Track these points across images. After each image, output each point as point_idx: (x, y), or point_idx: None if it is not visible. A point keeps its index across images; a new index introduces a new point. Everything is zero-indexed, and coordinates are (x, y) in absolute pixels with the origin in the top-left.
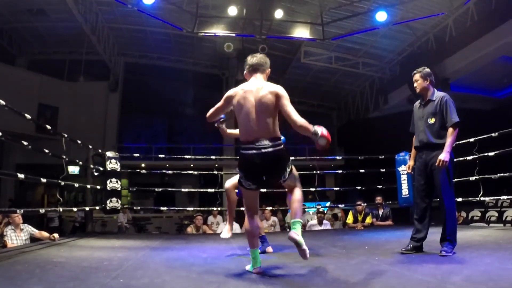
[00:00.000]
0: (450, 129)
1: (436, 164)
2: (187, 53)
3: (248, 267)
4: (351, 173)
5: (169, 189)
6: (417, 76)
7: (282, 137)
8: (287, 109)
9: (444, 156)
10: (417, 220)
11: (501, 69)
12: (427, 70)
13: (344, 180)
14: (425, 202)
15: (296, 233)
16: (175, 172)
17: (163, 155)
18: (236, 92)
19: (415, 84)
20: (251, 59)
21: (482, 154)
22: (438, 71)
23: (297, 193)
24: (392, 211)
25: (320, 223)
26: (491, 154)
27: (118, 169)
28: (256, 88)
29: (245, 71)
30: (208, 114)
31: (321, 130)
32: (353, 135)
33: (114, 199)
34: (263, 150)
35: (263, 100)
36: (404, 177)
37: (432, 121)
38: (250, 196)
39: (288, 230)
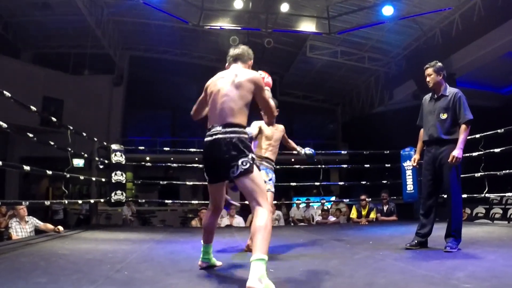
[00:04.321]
0: (463, 126)
1: (449, 160)
2: (192, 46)
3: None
4: (355, 168)
5: (174, 182)
6: (430, 70)
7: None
8: (265, 99)
9: (457, 152)
10: (423, 215)
11: (508, 65)
12: (440, 64)
13: (349, 175)
14: (432, 197)
15: (256, 279)
16: (180, 165)
17: (167, 148)
18: (212, 80)
19: (427, 79)
20: (233, 50)
21: (487, 151)
22: (444, 66)
23: (262, 217)
24: (396, 207)
25: (324, 218)
26: (496, 150)
27: (123, 162)
28: (233, 74)
29: (226, 63)
30: (192, 110)
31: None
32: (358, 130)
33: (118, 192)
34: (214, 136)
35: (239, 86)
36: (409, 173)
37: (444, 116)
38: (210, 189)
39: (292, 224)
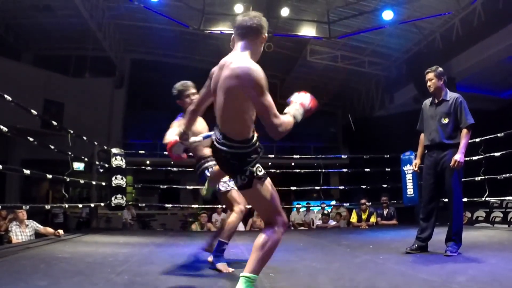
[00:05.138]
0: (465, 130)
1: (451, 165)
2: (193, 50)
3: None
4: (356, 172)
5: (174, 186)
6: (431, 75)
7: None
8: (259, 107)
9: (459, 157)
10: (423, 219)
11: (508, 69)
12: (441, 69)
13: (349, 179)
14: (432, 201)
15: None
16: (180, 169)
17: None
18: (215, 67)
19: (428, 83)
20: (242, 18)
21: (487, 154)
22: (444, 70)
23: (267, 236)
24: (396, 211)
25: (324, 222)
26: (496, 154)
27: (123, 166)
28: (226, 64)
29: (232, 35)
30: (195, 101)
31: (302, 106)
32: (359, 134)
33: (119, 196)
34: (215, 142)
35: (223, 89)
36: (409, 177)
37: (445, 121)
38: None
39: (292, 228)
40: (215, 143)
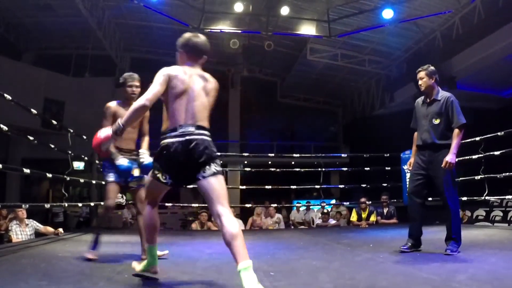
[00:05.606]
0: (456, 131)
1: (442, 166)
2: None
3: (138, 267)
4: (356, 171)
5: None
6: (422, 74)
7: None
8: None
9: (450, 157)
10: (412, 217)
11: (508, 68)
12: (432, 68)
13: (349, 178)
14: (421, 199)
15: (257, 284)
16: None
17: None
18: (177, 72)
19: (419, 82)
20: (198, 40)
21: (487, 153)
22: (444, 69)
23: (234, 222)
24: (397, 210)
25: (324, 221)
26: (496, 153)
27: None
28: (202, 78)
29: (181, 50)
30: (148, 100)
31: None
32: (359, 133)
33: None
34: (187, 137)
35: (208, 94)
36: (409, 175)
37: (437, 121)
38: (159, 189)
39: (292, 227)
40: (191, 137)
